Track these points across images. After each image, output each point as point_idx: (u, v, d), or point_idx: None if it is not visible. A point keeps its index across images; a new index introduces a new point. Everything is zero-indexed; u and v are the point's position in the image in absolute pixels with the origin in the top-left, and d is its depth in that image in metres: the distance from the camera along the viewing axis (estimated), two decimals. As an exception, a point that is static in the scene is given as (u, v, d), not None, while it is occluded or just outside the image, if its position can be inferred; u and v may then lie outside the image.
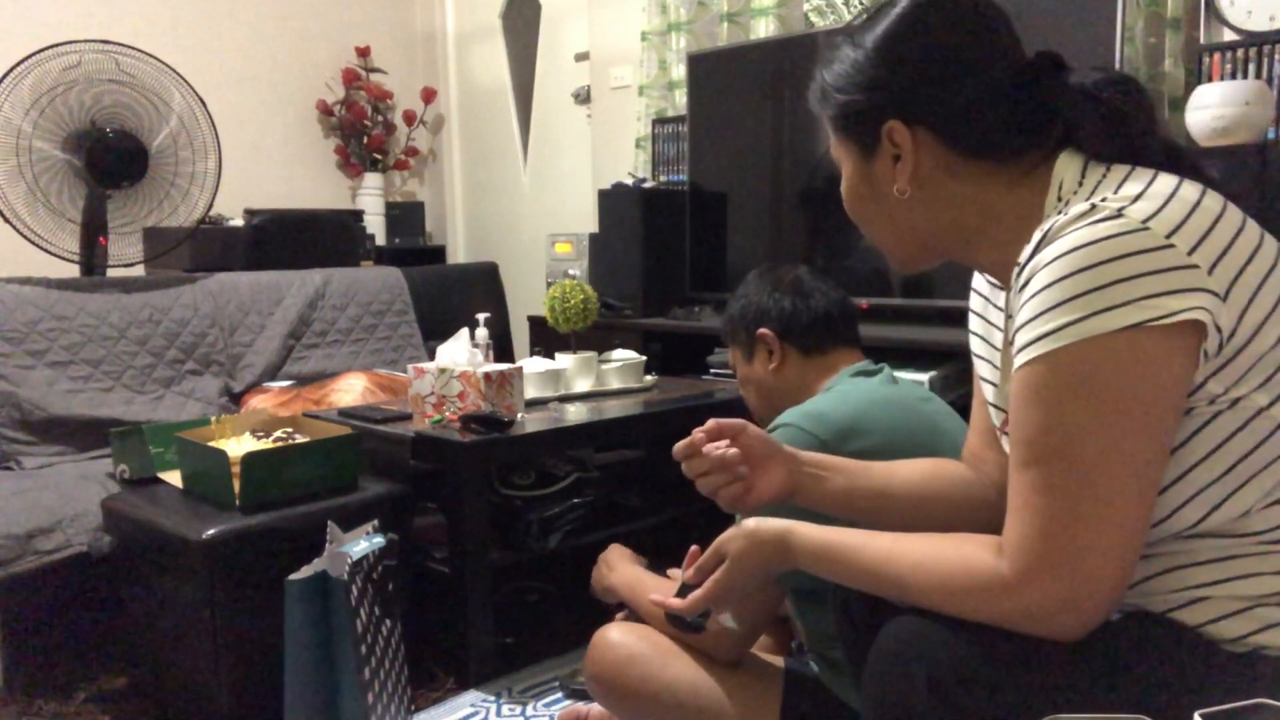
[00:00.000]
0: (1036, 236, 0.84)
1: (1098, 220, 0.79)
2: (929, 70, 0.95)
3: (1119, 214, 0.79)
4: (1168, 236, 0.78)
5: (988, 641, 0.82)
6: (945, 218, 0.97)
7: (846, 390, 1.42)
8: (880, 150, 0.97)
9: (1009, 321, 0.98)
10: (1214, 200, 0.83)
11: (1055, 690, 0.79)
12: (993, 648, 0.81)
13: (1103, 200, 0.81)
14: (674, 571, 1.11)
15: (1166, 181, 0.83)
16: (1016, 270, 0.86)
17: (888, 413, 1.35)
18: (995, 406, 1.05)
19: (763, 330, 1.56)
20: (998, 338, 1.05)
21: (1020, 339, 0.83)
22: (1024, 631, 0.81)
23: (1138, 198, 0.81)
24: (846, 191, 1.03)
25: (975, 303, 1.11)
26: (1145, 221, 0.78)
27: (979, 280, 1.10)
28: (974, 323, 1.12)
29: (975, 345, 1.11)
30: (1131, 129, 0.91)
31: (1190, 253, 0.78)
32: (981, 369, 1.09)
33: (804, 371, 1.54)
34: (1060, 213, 0.84)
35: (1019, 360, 0.83)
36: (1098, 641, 0.81)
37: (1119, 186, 0.84)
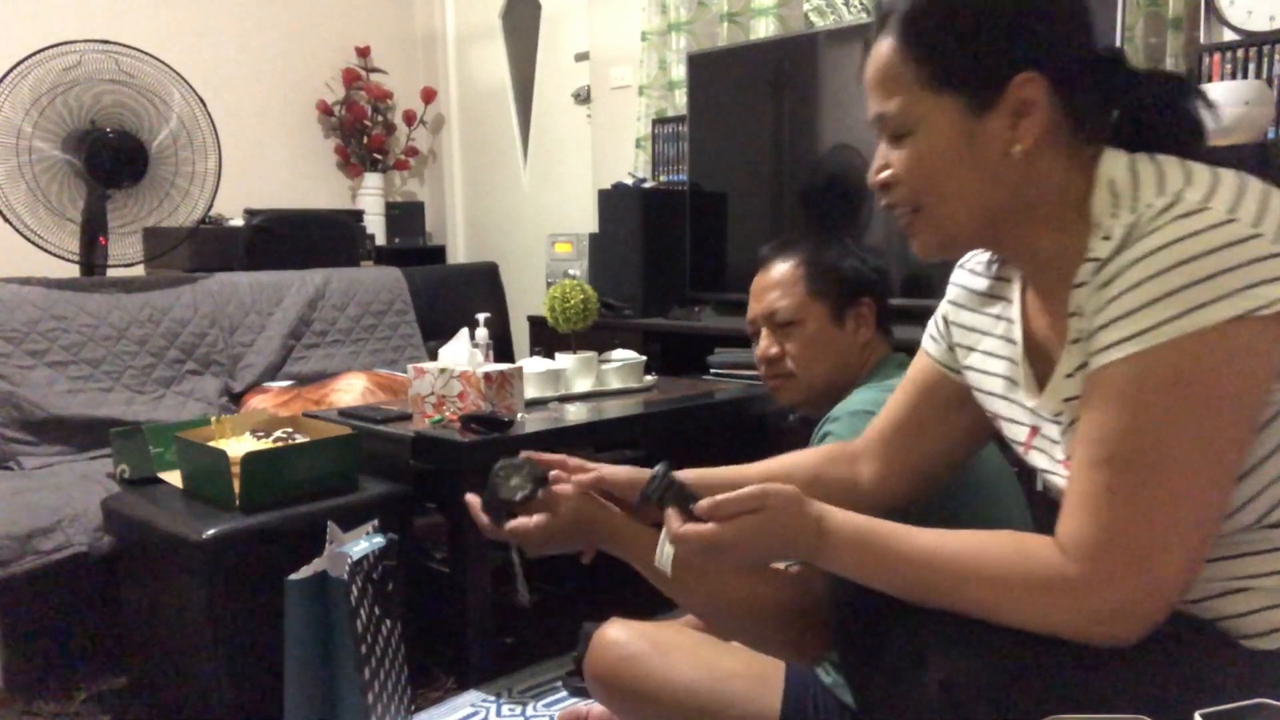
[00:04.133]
0: (1119, 232, 0.81)
1: (1185, 215, 0.78)
2: (1073, 22, 0.89)
3: (1205, 207, 0.78)
4: (1253, 226, 0.77)
5: (999, 645, 0.81)
6: (1029, 194, 0.90)
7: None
8: (1000, 105, 0.87)
9: (1042, 319, 0.95)
10: (1272, 187, 0.82)
11: (1069, 692, 0.78)
12: (1004, 651, 0.81)
13: (1178, 194, 0.80)
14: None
15: (1229, 173, 0.82)
16: (1094, 266, 0.83)
17: None
18: (1011, 419, 1.01)
19: (867, 300, 1.50)
20: (1007, 333, 1.01)
21: (1106, 337, 0.80)
22: (1079, 636, 0.80)
23: (1213, 190, 0.80)
24: (928, 154, 0.91)
25: (963, 298, 1.09)
26: (1230, 213, 0.78)
27: (971, 279, 1.08)
28: (962, 324, 1.08)
29: (964, 356, 1.08)
30: (1184, 125, 0.89)
31: (1275, 240, 0.77)
32: (984, 381, 1.05)
33: (866, 352, 1.50)
34: (1118, 208, 0.83)
35: (1105, 358, 0.81)
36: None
37: (1188, 180, 0.82)
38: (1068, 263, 0.88)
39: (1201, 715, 0.66)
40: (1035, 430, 0.98)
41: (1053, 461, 0.96)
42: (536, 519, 1.11)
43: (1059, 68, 0.87)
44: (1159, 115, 0.89)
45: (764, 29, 3.11)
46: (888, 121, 0.93)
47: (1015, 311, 1.01)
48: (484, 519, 1.13)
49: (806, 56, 2.83)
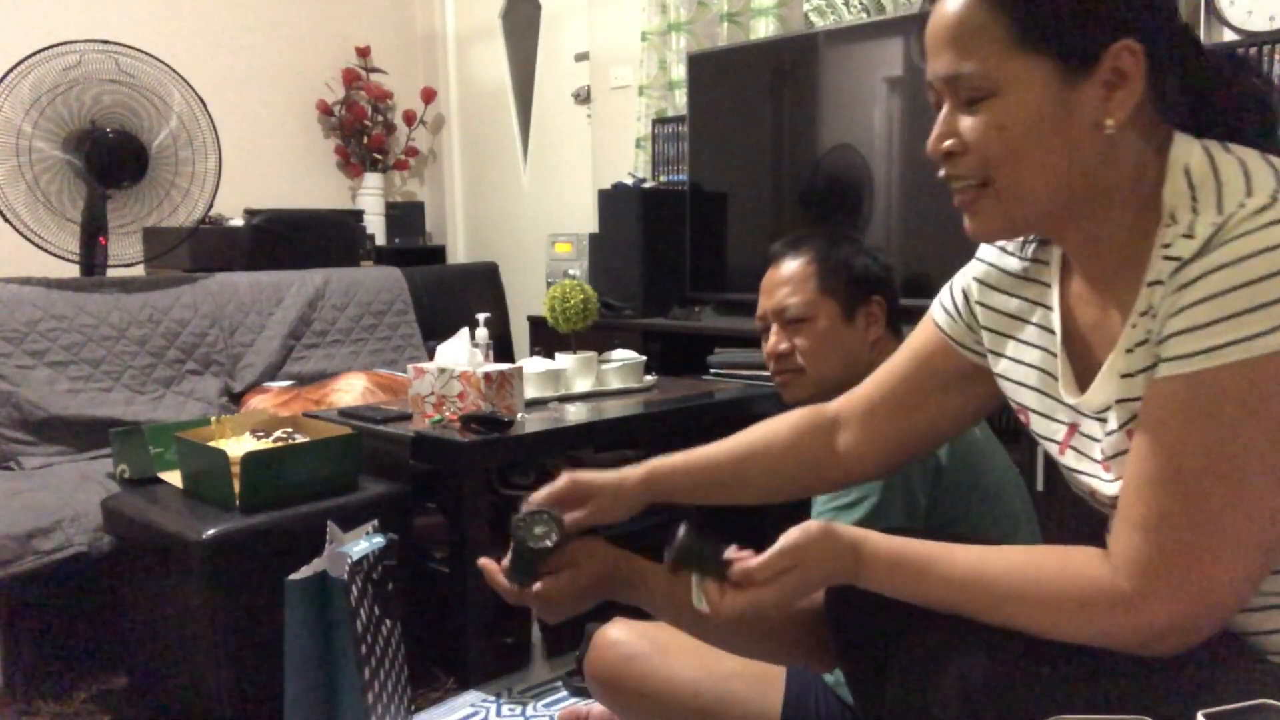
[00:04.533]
0: (1204, 231, 0.76)
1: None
2: None
3: None
4: None
5: (1019, 651, 0.80)
6: (1106, 176, 0.83)
7: None
8: (1095, 74, 0.80)
9: (1089, 310, 0.90)
10: None
11: (1075, 694, 0.78)
12: (1023, 657, 0.80)
13: (1274, 195, 0.75)
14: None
15: None
16: (1173, 265, 0.77)
17: None
18: (1045, 415, 0.95)
19: (878, 298, 1.49)
20: (1044, 321, 0.95)
21: (1179, 346, 0.76)
22: (1129, 650, 0.78)
23: None
24: (1011, 120, 0.82)
25: (993, 278, 1.00)
26: None
27: (1003, 257, 1.00)
28: (993, 307, 1.00)
29: (993, 341, 1.00)
30: (1255, 110, 0.85)
31: None
32: (1015, 370, 0.98)
33: (876, 350, 1.47)
34: (1198, 202, 0.78)
35: (1175, 369, 0.76)
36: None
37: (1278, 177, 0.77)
38: (1131, 253, 0.83)
39: (1205, 715, 0.66)
40: (1074, 429, 0.92)
41: (1091, 463, 0.91)
42: (565, 575, 1.02)
43: (1155, 39, 0.81)
44: (1229, 98, 0.84)
45: (764, 29, 3.11)
46: (961, 83, 0.83)
47: (1054, 298, 0.94)
48: (505, 584, 1.04)
49: (806, 56, 2.83)
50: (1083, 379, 0.90)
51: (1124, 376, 0.84)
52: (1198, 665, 0.79)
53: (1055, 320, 0.93)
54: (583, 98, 4.06)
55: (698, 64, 3.13)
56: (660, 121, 3.45)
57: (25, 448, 2.45)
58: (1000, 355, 1.00)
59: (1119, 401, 0.84)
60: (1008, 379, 1.00)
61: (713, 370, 2.77)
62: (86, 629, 2.07)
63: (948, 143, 0.86)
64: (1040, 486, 2.00)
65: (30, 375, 2.49)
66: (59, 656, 2.06)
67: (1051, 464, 1.98)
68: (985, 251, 1.03)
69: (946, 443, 1.18)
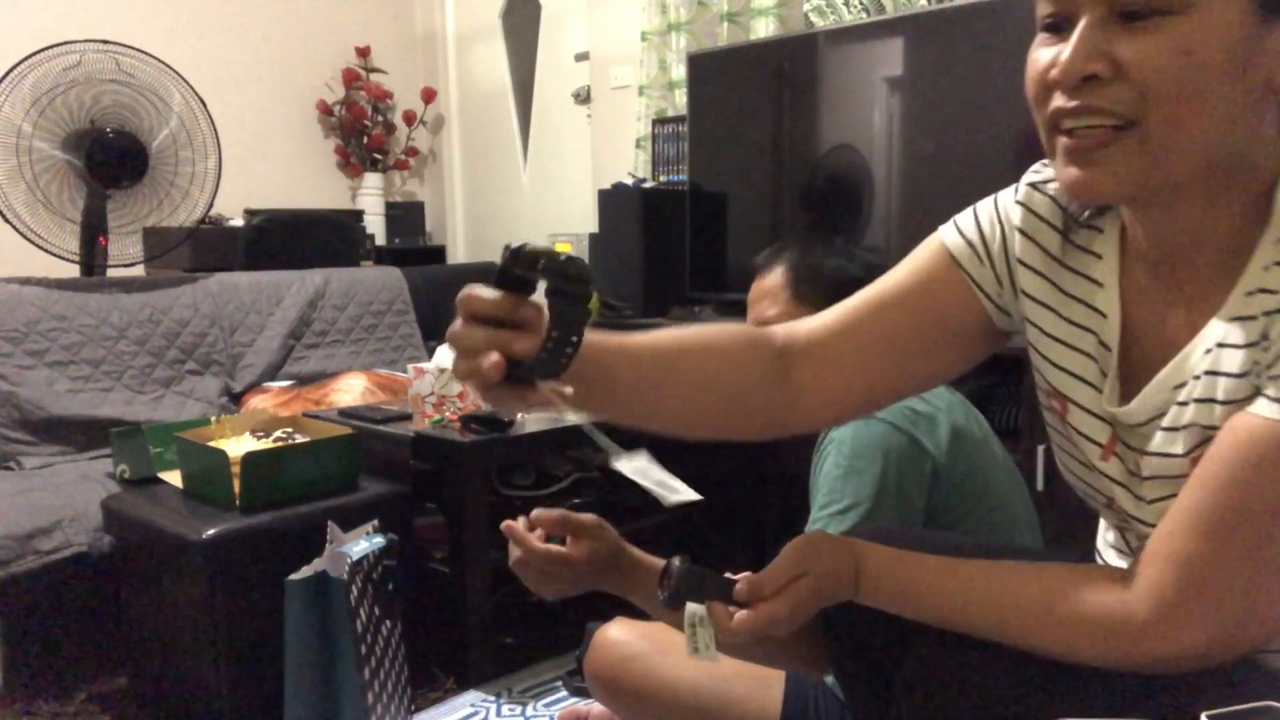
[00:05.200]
0: None
1: None
2: None
3: None
4: None
5: (1027, 662, 0.79)
6: (1249, 151, 0.72)
7: None
8: None
9: (1156, 311, 0.79)
10: None
11: (1097, 697, 0.76)
12: (1033, 670, 0.78)
13: None
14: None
15: None
16: None
17: (961, 414, 1.32)
18: (1087, 410, 0.84)
19: None
20: (1091, 300, 0.83)
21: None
22: (1136, 670, 0.75)
23: None
24: (1195, 45, 0.66)
25: (1042, 234, 0.85)
26: None
27: (1051, 209, 0.85)
28: (1035, 268, 0.85)
29: (1033, 311, 0.86)
30: None
31: None
32: (1054, 350, 0.86)
33: None
34: None
35: (1271, 411, 0.68)
36: None
37: None
38: (1227, 252, 0.73)
39: (1208, 717, 0.66)
40: (1116, 435, 0.82)
41: (1129, 476, 0.82)
42: (584, 545, 1.03)
43: None
44: None
45: (764, 29, 3.11)
46: None
47: (1113, 286, 0.81)
48: (536, 546, 1.03)
49: (806, 56, 2.83)
50: (1126, 385, 0.81)
51: (1200, 401, 0.74)
52: (1223, 684, 0.78)
53: (1114, 305, 0.81)
54: (583, 98, 4.06)
55: (698, 64, 3.13)
56: (660, 121, 3.45)
57: (25, 448, 2.45)
58: (1040, 329, 0.86)
59: (1190, 426, 0.75)
60: (1048, 360, 0.86)
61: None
62: (86, 629, 2.07)
63: (1096, 65, 0.68)
64: (1040, 486, 2.00)
65: (30, 375, 2.49)
66: (59, 656, 2.05)
67: (1052, 464, 1.98)
68: (1030, 196, 0.86)
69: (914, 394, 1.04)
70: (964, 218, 0.90)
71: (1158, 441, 0.77)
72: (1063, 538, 1.49)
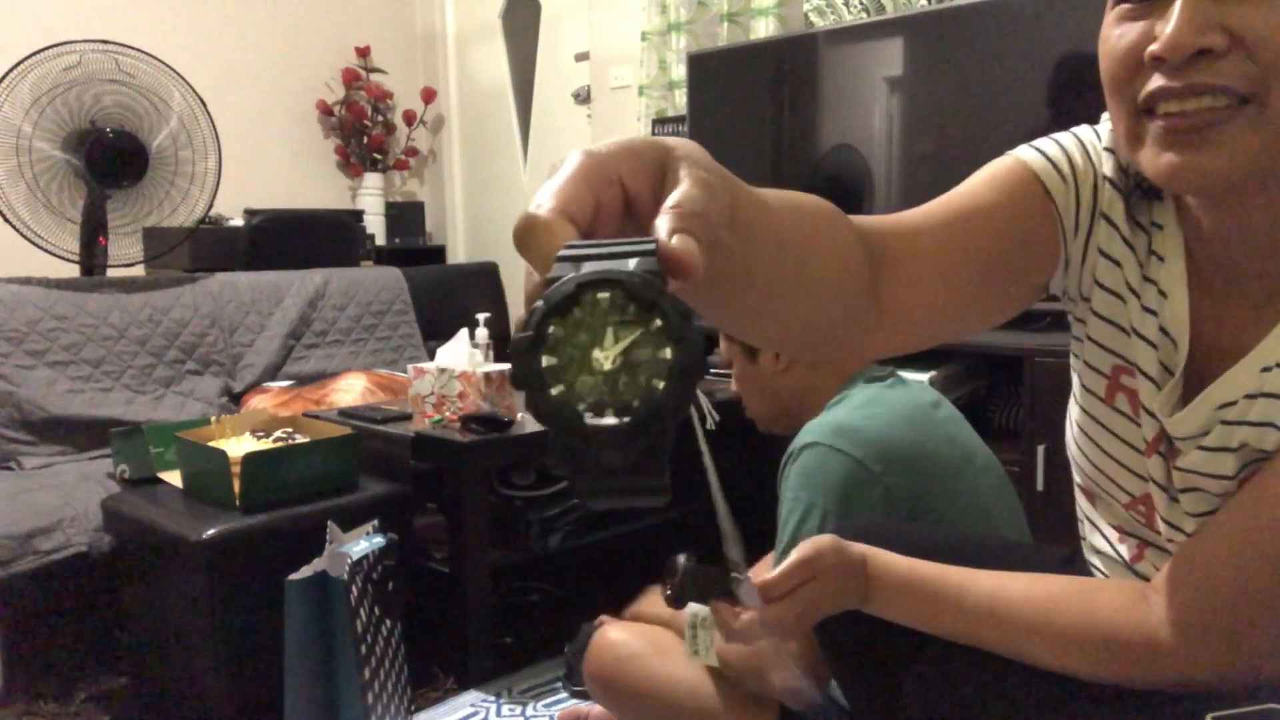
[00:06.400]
0: None
1: None
2: None
3: None
4: None
5: (1033, 669, 0.78)
6: None
7: (873, 397, 1.31)
8: None
9: (1212, 315, 0.74)
10: None
11: (1103, 698, 0.76)
12: (1041, 672, 0.78)
13: None
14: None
15: None
16: None
17: (912, 428, 1.26)
18: (1149, 413, 0.77)
19: None
20: (1164, 309, 0.75)
21: None
22: (1156, 689, 0.74)
23: None
24: None
25: (1117, 207, 0.76)
26: None
27: (1122, 177, 0.76)
28: (1118, 239, 0.76)
29: (1105, 268, 0.77)
30: None
31: None
32: (1112, 336, 0.78)
33: (814, 374, 1.41)
34: None
35: None
36: None
37: None
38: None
39: (1214, 718, 0.66)
40: (1163, 435, 0.76)
41: (1167, 479, 0.77)
42: None
43: None
44: None
45: (764, 29, 3.11)
46: None
47: (1181, 291, 0.74)
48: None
49: (806, 57, 2.83)
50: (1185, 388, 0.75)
51: (1259, 425, 0.69)
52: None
53: (1182, 307, 0.74)
54: (583, 98, 4.06)
55: (698, 64, 3.13)
56: (660, 121, 3.45)
57: (25, 448, 2.45)
58: (1112, 294, 0.77)
59: (1242, 448, 0.71)
60: (1100, 343, 0.79)
61: (712, 370, 2.77)
62: (86, 629, 2.07)
63: (1212, 37, 0.60)
64: (1040, 487, 2.00)
65: (30, 375, 2.49)
66: (59, 656, 2.06)
67: (1051, 463, 1.98)
68: (1103, 157, 0.76)
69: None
70: (1047, 144, 0.78)
71: (1195, 459, 0.73)
72: (1063, 538, 1.49)
